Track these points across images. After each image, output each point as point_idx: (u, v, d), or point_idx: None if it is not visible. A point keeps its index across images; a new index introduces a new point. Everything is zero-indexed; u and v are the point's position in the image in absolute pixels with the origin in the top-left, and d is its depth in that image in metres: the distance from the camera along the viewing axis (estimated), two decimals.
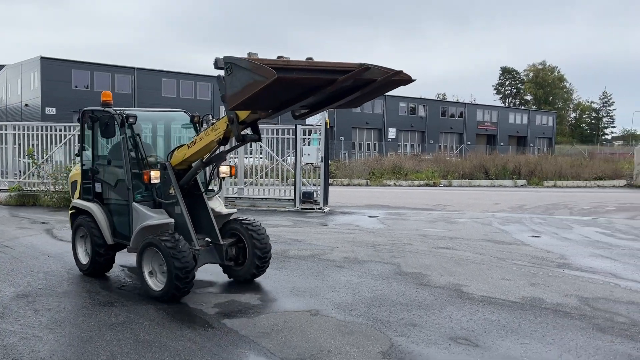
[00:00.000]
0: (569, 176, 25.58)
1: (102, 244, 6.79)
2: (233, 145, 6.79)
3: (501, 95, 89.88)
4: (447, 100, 67.48)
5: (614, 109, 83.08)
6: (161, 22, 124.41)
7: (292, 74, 4.46)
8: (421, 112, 62.58)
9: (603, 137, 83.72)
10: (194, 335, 5.08)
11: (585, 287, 6.97)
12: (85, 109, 7.04)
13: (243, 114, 5.40)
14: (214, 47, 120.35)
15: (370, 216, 13.46)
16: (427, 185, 24.43)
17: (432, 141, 61.19)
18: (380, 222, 12.46)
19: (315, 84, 4.62)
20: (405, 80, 4.81)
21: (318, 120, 14.44)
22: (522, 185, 24.51)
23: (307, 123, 16.86)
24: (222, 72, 4.85)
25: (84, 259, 7.16)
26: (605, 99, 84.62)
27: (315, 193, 14.46)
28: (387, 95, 56.23)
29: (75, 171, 7.49)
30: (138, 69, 44.29)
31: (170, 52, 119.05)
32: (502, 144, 64.27)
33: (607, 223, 12.75)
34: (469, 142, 62.29)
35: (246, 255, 6.64)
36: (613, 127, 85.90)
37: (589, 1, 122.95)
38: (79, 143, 8.22)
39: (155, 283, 6.06)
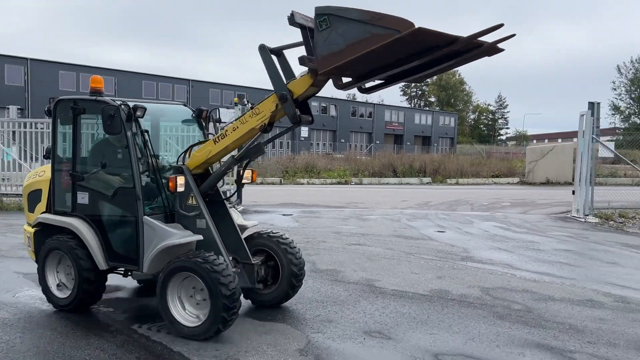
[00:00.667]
0: (469, 174, 27.22)
1: (92, 269, 5.35)
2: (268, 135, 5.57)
3: (407, 97, 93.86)
4: (357, 100, 69.24)
5: (508, 112, 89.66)
6: (55, 11, 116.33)
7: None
8: (332, 111, 63.73)
9: (499, 138, 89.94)
10: (102, 343, 4.83)
11: (485, 278, 7.47)
12: (61, 98, 5.59)
13: (300, 89, 4.62)
14: (114, 40, 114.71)
15: (284, 214, 13.50)
16: (339, 183, 24.93)
17: (343, 140, 62.53)
18: (294, 220, 12.54)
19: (434, 44, 3.91)
20: (496, 51, 4.17)
21: (231, 118, 14.23)
22: (427, 183, 25.73)
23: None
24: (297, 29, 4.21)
25: (60, 291, 5.63)
26: (501, 102, 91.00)
27: (227, 192, 14.23)
28: None
29: (38, 178, 5.99)
30: (32, 59, 41.19)
31: (68, 43, 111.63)
32: (409, 143, 67.13)
33: (503, 218, 13.74)
34: (378, 142, 64.39)
35: (276, 275, 5.71)
36: (507, 128, 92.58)
37: (483, 8, 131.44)
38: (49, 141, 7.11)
39: (187, 317, 4.92)
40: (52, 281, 5.67)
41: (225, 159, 5.44)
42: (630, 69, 60.21)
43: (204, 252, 4.86)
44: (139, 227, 5.09)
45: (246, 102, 5.41)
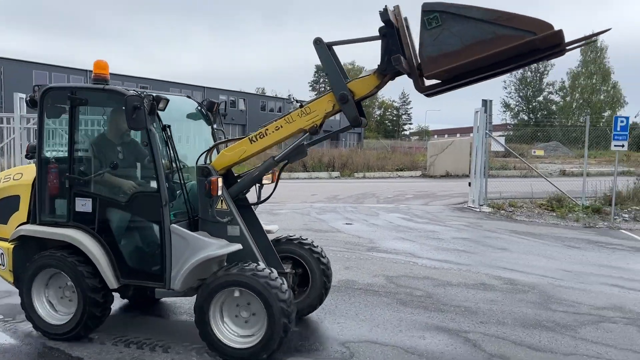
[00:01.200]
0: (375, 168, 28.17)
1: (100, 289, 4.61)
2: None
3: (316, 92, 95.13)
4: (266, 94, 69.01)
5: (411, 108, 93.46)
6: None
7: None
8: (241, 105, 63.02)
9: (403, 133, 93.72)
10: None
11: (390, 267, 7.82)
12: (52, 86, 4.83)
13: (364, 90, 4.33)
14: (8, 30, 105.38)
15: None
16: None
17: None
18: None
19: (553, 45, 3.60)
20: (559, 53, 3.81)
21: None
22: (336, 177, 26.30)
23: None
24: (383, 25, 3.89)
25: (54, 317, 4.81)
26: (404, 99, 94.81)
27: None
28: (207, 87, 55.40)
29: (13, 181, 5.08)
30: None
31: None
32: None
33: (406, 209, 14.41)
34: None
35: (302, 283, 5.38)
36: (410, 123, 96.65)
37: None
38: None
39: (232, 337, 4.39)
40: (41, 306, 4.81)
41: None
42: (519, 70, 65.34)
43: (253, 264, 4.37)
44: (165, 236, 4.46)
45: (292, 100, 4.87)
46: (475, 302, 6.21)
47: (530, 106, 65.66)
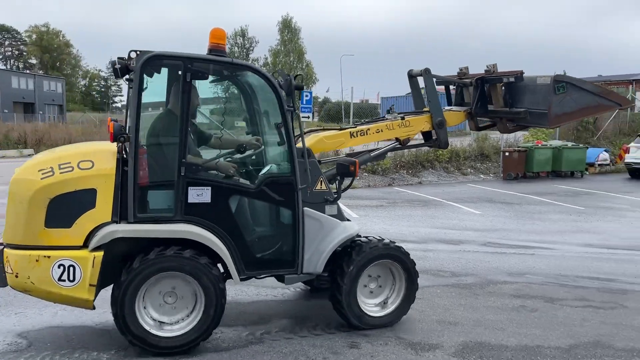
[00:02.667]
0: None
1: (223, 287, 4.11)
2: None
3: (1, 57, 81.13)
4: None
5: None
6: None
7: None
8: None
9: (114, 105, 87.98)
10: None
11: None
12: (157, 53, 3.92)
13: (454, 121, 5.59)
14: None
15: None
16: None
17: None
18: None
19: None
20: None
21: None
22: (29, 155, 23.20)
23: None
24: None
25: (161, 329, 4.02)
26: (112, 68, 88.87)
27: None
28: None
29: (83, 172, 3.88)
30: None
31: None
32: (6, 110, 58.57)
33: None
34: None
35: None
36: (121, 95, 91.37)
37: None
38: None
39: (368, 308, 4.68)
40: (144, 316, 4.00)
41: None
42: (227, 44, 68.05)
43: (382, 238, 4.74)
44: (299, 221, 4.32)
45: (394, 112, 5.72)
46: None
47: None
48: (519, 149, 17.34)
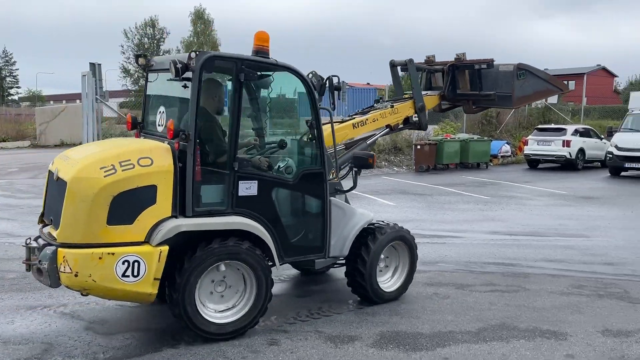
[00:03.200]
0: None
1: (270, 273, 4.40)
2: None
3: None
4: None
5: (17, 69, 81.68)
6: None
7: None
8: None
9: (10, 98, 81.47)
10: None
11: None
12: (216, 54, 4.32)
13: (430, 104, 6.15)
14: None
15: None
16: None
17: None
18: None
19: None
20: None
21: None
22: None
23: None
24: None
25: (218, 317, 4.23)
26: (7, 58, 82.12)
27: None
28: None
29: (144, 169, 3.90)
30: None
31: None
32: None
33: (8, 185, 12.67)
34: None
35: None
36: (18, 87, 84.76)
37: None
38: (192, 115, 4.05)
39: (382, 285, 5.19)
40: (205, 306, 4.21)
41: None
42: (136, 35, 64.99)
43: (391, 223, 5.30)
44: (326, 210, 4.73)
45: (383, 100, 6.06)
46: None
47: None
48: (430, 142, 18.07)
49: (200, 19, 60.18)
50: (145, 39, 64.15)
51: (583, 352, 4.22)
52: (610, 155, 16.85)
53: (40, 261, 3.85)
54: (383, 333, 4.50)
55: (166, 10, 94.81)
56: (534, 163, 19.28)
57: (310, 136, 4.72)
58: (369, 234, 5.02)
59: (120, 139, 5.02)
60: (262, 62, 4.39)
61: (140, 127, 4.80)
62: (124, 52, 64.86)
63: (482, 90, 6.20)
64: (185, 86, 4.12)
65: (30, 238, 4.19)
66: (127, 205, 3.87)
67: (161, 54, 66.31)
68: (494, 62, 6.11)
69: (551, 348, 4.28)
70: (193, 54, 4.07)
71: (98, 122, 14.14)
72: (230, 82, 4.38)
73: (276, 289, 5.23)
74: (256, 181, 4.33)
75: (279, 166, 4.65)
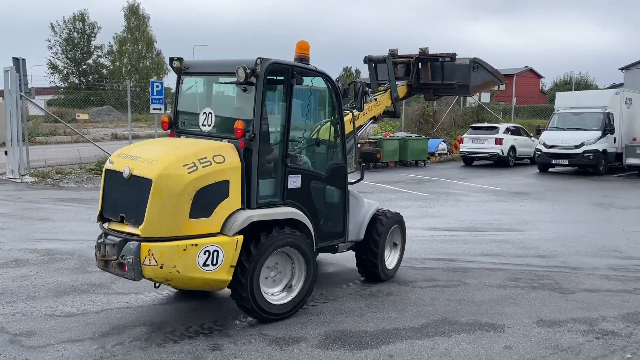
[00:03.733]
0: None
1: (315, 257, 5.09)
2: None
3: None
4: None
5: None
6: None
7: None
8: None
9: None
10: None
11: None
12: (276, 61, 4.60)
13: (401, 93, 6.77)
14: None
15: None
16: None
17: None
18: None
19: None
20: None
21: None
22: None
23: None
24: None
25: (275, 299, 4.71)
26: None
27: None
28: None
29: (220, 165, 4.30)
30: None
31: None
32: None
33: None
34: None
35: None
36: None
37: None
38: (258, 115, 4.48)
39: (390, 263, 6.00)
40: (265, 289, 4.64)
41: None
42: (64, 29, 61.91)
43: (387, 209, 6.05)
44: (347, 199, 5.33)
45: (370, 93, 6.38)
46: (3, 282, 5.60)
47: (81, 69, 63.66)
48: (370, 140, 18.30)
49: (134, 15, 58.16)
50: (75, 33, 61.30)
51: (520, 343, 4.37)
52: (539, 153, 17.71)
53: (123, 256, 4.08)
54: (328, 333, 4.48)
55: (96, 4, 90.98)
56: (469, 160, 19.96)
57: (334, 134, 5.22)
58: (377, 219, 5.73)
59: (171, 138, 5.09)
60: (306, 68, 4.91)
61: (175, 127, 5.15)
62: (51, 47, 61.71)
63: (444, 80, 6.85)
64: (245, 90, 4.52)
65: (103, 235, 4.37)
66: (206, 199, 4.23)
67: (92, 49, 63.67)
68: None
69: (490, 340, 4.40)
70: (259, 60, 4.45)
71: (23, 121, 13.29)
72: (282, 85, 4.77)
73: (219, 292, 5.10)
74: (300, 175, 4.84)
75: (313, 161, 5.19)
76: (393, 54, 6.90)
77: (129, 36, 58.38)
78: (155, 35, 59.96)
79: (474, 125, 21.51)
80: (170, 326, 4.54)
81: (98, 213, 4.57)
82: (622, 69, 57.63)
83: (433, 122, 24.84)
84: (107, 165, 4.56)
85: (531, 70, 59.92)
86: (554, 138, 17.40)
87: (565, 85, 52.25)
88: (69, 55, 62.78)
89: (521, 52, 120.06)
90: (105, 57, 64.07)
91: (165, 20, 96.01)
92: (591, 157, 16.73)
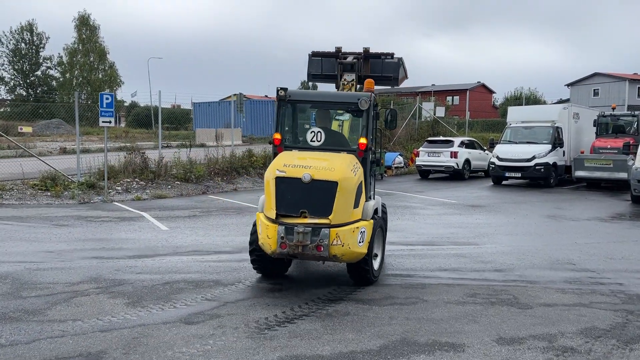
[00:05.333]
0: None
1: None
2: None
3: None
4: None
5: None
6: None
7: None
8: None
9: None
10: None
11: None
12: (374, 94, 6.59)
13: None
14: None
15: None
16: None
17: None
18: None
19: None
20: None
21: None
22: None
23: None
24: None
25: (375, 265, 6.46)
26: None
27: None
28: None
29: (359, 171, 6.08)
30: None
31: None
32: None
33: None
34: None
35: None
36: None
37: None
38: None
39: (377, 265, 6.56)
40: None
41: None
42: (11, 40, 59.62)
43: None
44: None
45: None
46: None
47: (29, 81, 61.33)
48: None
49: (85, 25, 56.61)
50: (23, 44, 59.10)
51: None
52: (493, 166, 18.04)
53: (321, 240, 5.48)
54: (282, 358, 4.21)
55: (44, 15, 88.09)
56: (425, 173, 20.13)
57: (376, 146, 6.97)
58: (383, 211, 7.15)
59: (316, 152, 6.23)
60: (375, 98, 6.55)
61: (283, 144, 6.36)
62: None
63: (382, 74, 8.09)
64: (355, 115, 6.68)
65: (297, 226, 5.51)
66: (358, 194, 5.89)
67: (41, 60, 61.42)
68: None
69: None
70: (372, 95, 6.31)
71: None
72: (364, 111, 6.25)
73: (165, 316, 4.75)
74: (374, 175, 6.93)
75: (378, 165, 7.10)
76: (338, 50, 8.05)
77: (80, 47, 56.70)
78: (108, 47, 58.48)
79: (429, 139, 21.74)
80: (109, 356, 4.17)
81: (275, 212, 5.62)
82: (568, 85, 59.91)
83: (389, 135, 25.03)
84: (278, 174, 5.68)
85: (483, 86, 61.70)
86: (506, 151, 17.76)
87: (516, 100, 54.05)
88: (16, 67, 60.46)
89: (473, 68, 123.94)
90: (55, 69, 61.98)
91: (119, 31, 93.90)
92: (542, 170, 17.15)
